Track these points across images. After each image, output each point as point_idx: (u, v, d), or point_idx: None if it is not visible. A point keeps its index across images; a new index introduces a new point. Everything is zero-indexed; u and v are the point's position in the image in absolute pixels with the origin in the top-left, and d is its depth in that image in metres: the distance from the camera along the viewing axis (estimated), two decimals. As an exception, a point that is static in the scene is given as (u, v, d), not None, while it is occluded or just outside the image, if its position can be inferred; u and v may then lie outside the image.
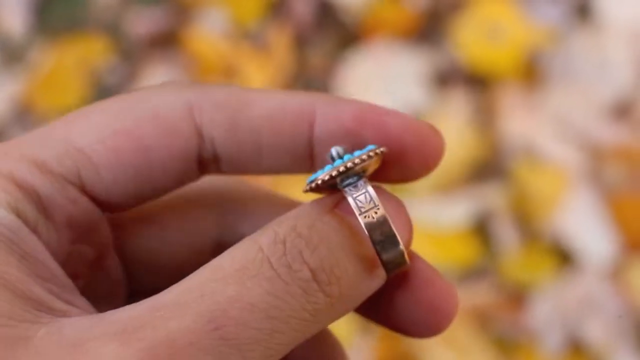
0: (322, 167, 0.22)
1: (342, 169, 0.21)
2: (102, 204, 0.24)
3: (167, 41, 0.82)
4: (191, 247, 0.27)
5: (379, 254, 0.21)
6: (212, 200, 0.27)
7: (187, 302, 0.19)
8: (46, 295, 0.21)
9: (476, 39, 0.80)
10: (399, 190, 0.24)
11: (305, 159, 0.24)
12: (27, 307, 0.20)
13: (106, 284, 0.25)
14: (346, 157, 0.22)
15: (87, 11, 0.84)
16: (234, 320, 0.19)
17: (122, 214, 0.25)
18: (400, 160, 0.24)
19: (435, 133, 0.24)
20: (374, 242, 0.21)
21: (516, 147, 0.77)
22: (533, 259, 0.73)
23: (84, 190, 0.23)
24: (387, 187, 0.24)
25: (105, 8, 0.84)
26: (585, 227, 0.74)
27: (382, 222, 0.21)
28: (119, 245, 0.26)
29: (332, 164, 0.22)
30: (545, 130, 0.77)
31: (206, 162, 0.24)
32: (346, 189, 0.22)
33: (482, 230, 0.74)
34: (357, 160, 0.21)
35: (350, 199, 0.21)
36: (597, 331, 0.71)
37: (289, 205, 0.26)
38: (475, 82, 0.79)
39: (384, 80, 0.80)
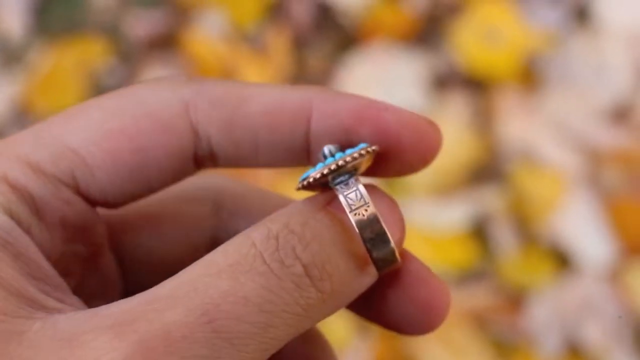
0: (316, 164, 0.22)
1: (333, 167, 0.22)
2: (97, 203, 0.24)
3: (165, 43, 0.82)
4: (186, 244, 0.27)
5: (369, 252, 0.22)
6: (207, 197, 0.27)
7: (180, 296, 0.19)
8: (39, 294, 0.21)
9: (474, 42, 0.80)
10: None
11: (302, 153, 0.24)
12: (22, 304, 0.20)
13: (100, 282, 0.26)
14: (338, 155, 0.22)
15: (86, 13, 0.84)
16: (227, 313, 0.19)
17: (117, 212, 0.25)
18: (398, 156, 0.24)
19: (433, 127, 0.24)
20: (364, 240, 0.21)
21: (514, 150, 0.77)
22: (531, 261, 0.73)
23: (78, 190, 0.23)
24: (386, 184, 0.24)
25: (104, 10, 0.84)
26: (583, 230, 0.74)
27: (373, 220, 0.21)
28: (113, 242, 0.26)
29: (324, 162, 0.22)
30: (544, 134, 0.77)
31: (202, 158, 0.24)
32: (337, 186, 0.22)
33: (480, 232, 0.74)
34: (348, 159, 0.22)
35: (341, 197, 0.21)
36: (595, 334, 0.71)
37: (283, 202, 0.26)
38: (474, 85, 0.79)
39: (382, 83, 0.80)
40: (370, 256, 0.22)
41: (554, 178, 0.76)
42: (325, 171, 0.22)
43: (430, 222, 0.74)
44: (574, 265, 0.73)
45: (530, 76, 0.79)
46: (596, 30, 0.80)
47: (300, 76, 0.80)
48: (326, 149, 0.23)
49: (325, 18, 0.83)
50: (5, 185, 0.22)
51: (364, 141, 0.23)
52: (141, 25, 0.83)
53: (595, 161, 0.76)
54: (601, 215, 0.74)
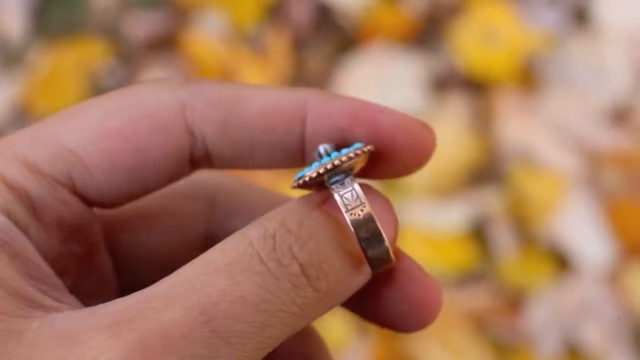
0: (311, 163, 0.23)
1: (329, 166, 0.22)
2: (93, 203, 0.24)
3: (165, 44, 0.82)
4: (181, 240, 0.27)
5: (364, 251, 0.22)
6: (202, 194, 0.27)
7: (178, 294, 0.20)
8: (37, 293, 0.21)
9: (474, 43, 0.80)
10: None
11: (297, 154, 0.24)
12: (20, 304, 0.20)
13: (96, 281, 0.26)
14: (334, 154, 0.22)
15: (86, 14, 0.85)
16: (225, 313, 0.19)
17: (112, 210, 0.25)
18: (392, 157, 0.24)
19: (427, 130, 0.24)
20: (359, 239, 0.22)
21: (513, 152, 0.77)
22: (530, 263, 0.73)
23: (74, 191, 0.23)
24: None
25: (104, 11, 0.85)
26: (583, 231, 0.74)
27: (368, 220, 0.21)
28: (108, 240, 0.26)
29: (320, 162, 0.22)
30: (543, 135, 0.77)
31: (198, 159, 0.24)
32: (333, 186, 0.22)
33: (479, 234, 0.75)
34: (344, 158, 0.22)
35: (337, 197, 0.22)
36: (594, 335, 0.71)
37: (278, 199, 0.26)
38: (473, 86, 0.80)
39: (381, 84, 0.80)
40: (365, 255, 0.22)
41: (553, 179, 0.76)
42: (321, 170, 0.22)
43: (430, 223, 0.74)
44: (573, 266, 0.73)
45: (530, 77, 0.80)
46: (595, 32, 0.80)
47: (299, 77, 0.80)
48: (321, 148, 0.23)
49: (325, 19, 0.83)
50: (2, 185, 0.22)
51: (358, 142, 0.23)
52: (141, 26, 0.83)
53: (594, 163, 0.76)
54: (600, 217, 0.74)
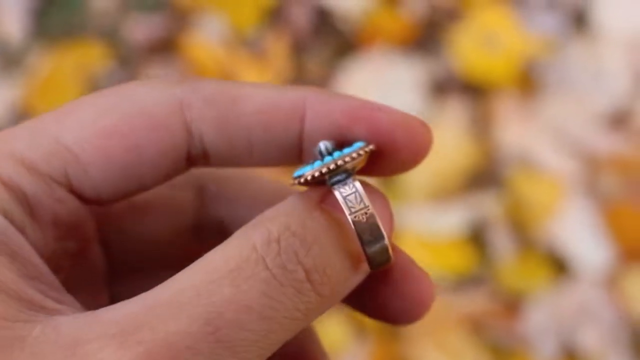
0: (309, 161, 0.22)
1: (332, 166, 0.21)
2: (89, 201, 0.24)
3: (165, 47, 0.83)
4: (170, 228, 0.27)
5: (365, 252, 0.22)
6: (190, 181, 0.27)
7: (183, 302, 0.19)
8: (37, 295, 0.21)
9: (473, 47, 0.81)
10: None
11: (295, 152, 0.24)
12: (21, 307, 0.20)
13: (87, 273, 0.25)
14: (336, 154, 0.22)
15: (86, 17, 0.85)
16: (230, 322, 0.19)
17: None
18: (390, 154, 0.24)
19: (424, 127, 0.24)
20: (362, 242, 0.21)
21: (512, 156, 0.77)
22: (528, 267, 0.73)
23: (71, 189, 0.23)
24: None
25: (104, 14, 0.85)
26: (581, 235, 0.74)
27: (372, 225, 0.21)
28: (100, 231, 0.26)
29: (321, 160, 0.22)
30: (542, 139, 0.77)
31: (195, 157, 0.24)
32: (335, 186, 0.22)
33: (477, 238, 0.75)
34: (347, 159, 0.22)
35: (339, 198, 0.21)
36: (592, 339, 0.71)
37: (266, 185, 0.26)
38: (472, 90, 0.80)
39: (381, 88, 0.80)
40: (365, 255, 0.22)
41: (551, 183, 0.76)
42: (324, 170, 0.21)
43: (428, 227, 0.74)
44: (571, 270, 0.73)
45: (529, 82, 0.80)
46: (594, 36, 0.80)
47: (299, 81, 0.80)
48: (322, 145, 0.22)
49: (324, 23, 0.83)
50: None
51: (357, 140, 0.23)
52: (140, 29, 0.83)
53: (593, 167, 0.76)
54: (598, 221, 0.74)
